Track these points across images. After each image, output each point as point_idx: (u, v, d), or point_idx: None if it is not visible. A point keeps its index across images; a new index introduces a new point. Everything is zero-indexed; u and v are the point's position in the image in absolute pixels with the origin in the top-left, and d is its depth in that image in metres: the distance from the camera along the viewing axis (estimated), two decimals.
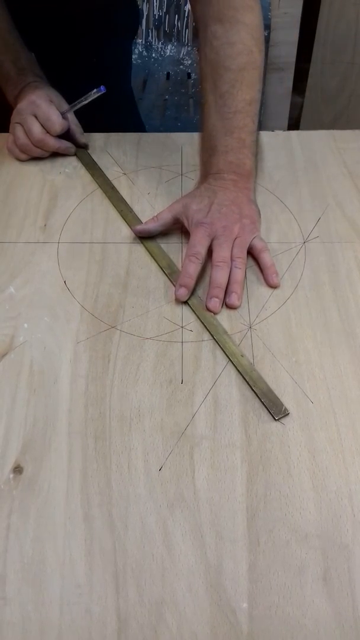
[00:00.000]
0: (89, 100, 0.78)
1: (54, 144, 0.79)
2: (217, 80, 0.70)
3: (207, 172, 0.71)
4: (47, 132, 0.78)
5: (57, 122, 0.78)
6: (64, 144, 0.81)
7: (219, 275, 0.62)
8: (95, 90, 0.77)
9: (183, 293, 0.62)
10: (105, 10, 0.95)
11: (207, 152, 0.71)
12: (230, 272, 0.63)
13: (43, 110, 0.77)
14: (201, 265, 0.63)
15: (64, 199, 0.76)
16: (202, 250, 0.64)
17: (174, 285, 0.64)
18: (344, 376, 0.55)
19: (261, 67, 0.72)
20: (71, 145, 0.81)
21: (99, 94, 0.77)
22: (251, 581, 0.43)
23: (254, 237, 0.66)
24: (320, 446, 0.51)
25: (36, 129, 0.77)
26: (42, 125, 0.78)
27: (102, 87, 0.76)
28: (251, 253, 0.66)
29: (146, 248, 0.69)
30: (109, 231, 0.71)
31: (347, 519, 0.46)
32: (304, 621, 0.42)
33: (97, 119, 0.87)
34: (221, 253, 0.63)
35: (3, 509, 0.47)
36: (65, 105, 0.81)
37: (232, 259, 0.64)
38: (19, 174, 0.79)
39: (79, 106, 0.80)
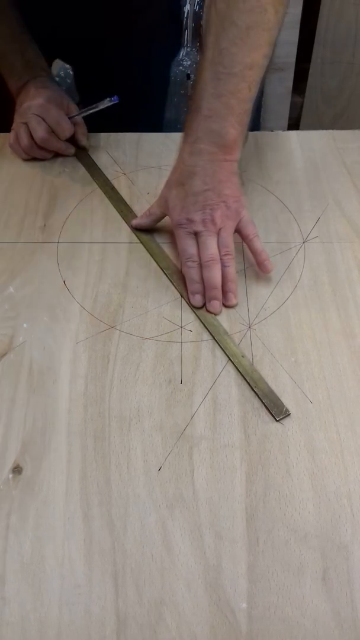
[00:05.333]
0: (100, 108, 0.78)
1: (56, 144, 0.79)
2: (220, 34, 0.62)
3: (187, 137, 0.65)
4: (55, 135, 0.78)
5: (67, 128, 0.78)
6: (64, 145, 0.81)
7: (212, 275, 0.61)
8: (108, 99, 0.76)
9: (199, 299, 0.62)
10: (144, 32, 0.92)
11: (192, 113, 0.65)
12: (222, 270, 0.62)
13: (53, 114, 0.77)
14: (199, 264, 0.62)
15: (63, 199, 0.76)
16: (194, 251, 0.62)
17: (174, 286, 0.64)
18: (343, 376, 0.55)
19: (274, 30, 0.63)
20: (71, 146, 0.81)
21: (111, 103, 0.76)
22: (250, 581, 0.43)
23: (240, 220, 0.63)
24: (320, 446, 0.51)
25: (41, 131, 0.77)
26: (50, 128, 0.78)
27: (115, 97, 0.75)
28: (242, 238, 0.65)
29: (146, 248, 0.69)
30: (108, 231, 0.71)
31: (346, 519, 0.46)
32: (303, 621, 0.42)
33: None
34: (207, 252, 0.62)
35: (2, 509, 0.47)
36: (72, 107, 0.81)
37: (220, 255, 0.62)
38: (18, 174, 0.79)
39: (89, 113, 0.80)
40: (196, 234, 0.63)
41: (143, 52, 0.94)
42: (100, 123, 0.86)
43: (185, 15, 1.54)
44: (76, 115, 0.80)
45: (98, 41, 0.91)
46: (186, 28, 1.55)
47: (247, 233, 0.64)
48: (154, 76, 1.00)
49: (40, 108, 0.77)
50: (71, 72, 1.03)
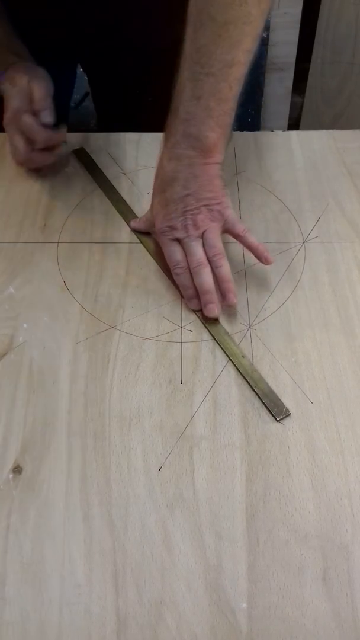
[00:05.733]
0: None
1: (41, 159, 0.75)
2: (198, 30, 0.59)
3: (166, 140, 0.63)
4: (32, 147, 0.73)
5: (39, 139, 0.71)
6: (46, 155, 0.75)
7: (202, 280, 0.60)
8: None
9: (196, 303, 0.61)
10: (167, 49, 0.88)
11: (171, 115, 0.63)
12: (214, 272, 0.61)
13: (26, 125, 0.70)
14: (186, 268, 0.61)
15: (63, 199, 0.75)
16: (180, 257, 0.62)
17: (174, 286, 0.64)
18: (344, 376, 0.55)
19: (255, 23, 0.59)
20: (51, 155, 0.76)
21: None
22: (250, 581, 0.43)
23: (226, 220, 0.62)
24: (320, 446, 0.51)
25: (21, 148, 0.72)
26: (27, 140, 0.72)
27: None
28: (234, 238, 0.64)
29: (146, 248, 0.69)
30: (108, 231, 0.71)
31: (346, 519, 0.46)
32: (303, 621, 0.42)
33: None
34: (193, 258, 0.61)
35: (2, 509, 0.47)
36: (42, 92, 0.71)
37: (209, 258, 0.61)
38: (18, 174, 0.79)
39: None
40: (180, 241, 0.62)
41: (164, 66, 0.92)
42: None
43: None
44: (47, 123, 0.71)
45: (119, 55, 0.89)
46: None
47: (236, 232, 0.63)
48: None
49: (14, 118, 0.71)
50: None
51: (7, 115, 0.72)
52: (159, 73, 0.90)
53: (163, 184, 0.63)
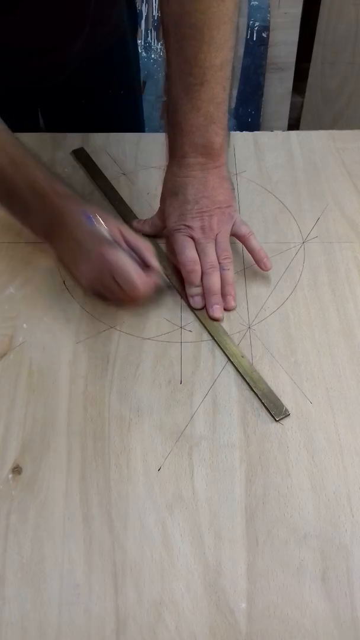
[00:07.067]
0: None
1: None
2: (181, 40, 0.58)
3: (173, 152, 0.64)
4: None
5: (139, 287, 0.56)
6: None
7: (212, 281, 0.61)
8: None
9: (199, 301, 0.62)
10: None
11: (172, 127, 0.63)
12: (220, 274, 0.62)
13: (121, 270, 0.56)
14: (199, 266, 0.62)
15: None
16: (194, 254, 0.62)
17: (174, 286, 0.64)
18: (343, 376, 0.55)
19: (233, 18, 0.58)
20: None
21: None
22: (250, 581, 0.44)
23: (234, 222, 0.64)
24: (319, 446, 0.51)
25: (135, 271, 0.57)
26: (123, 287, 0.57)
27: None
28: (237, 239, 0.65)
29: None
30: None
31: (345, 519, 0.46)
32: (303, 621, 0.42)
33: (100, 118, 0.86)
34: (208, 259, 0.62)
35: (2, 509, 0.47)
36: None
37: (219, 261, 0.62)
38: None
39: None
40: (195, 241, 0.63)
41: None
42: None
43: None
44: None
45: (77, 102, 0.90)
46: None
47: (242, 232, 0.64)
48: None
49: (107, 265, 0.56)
50: None
51: (94, 269, 0.58)
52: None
53: (175, 188, 0.64)
